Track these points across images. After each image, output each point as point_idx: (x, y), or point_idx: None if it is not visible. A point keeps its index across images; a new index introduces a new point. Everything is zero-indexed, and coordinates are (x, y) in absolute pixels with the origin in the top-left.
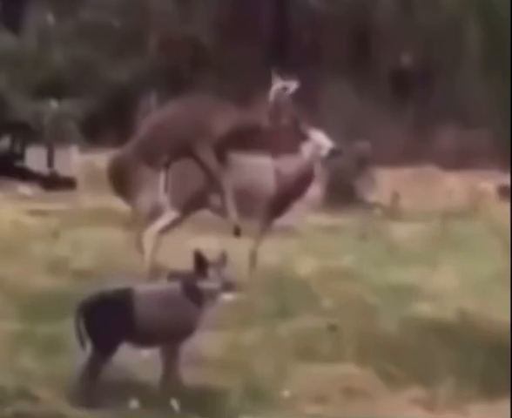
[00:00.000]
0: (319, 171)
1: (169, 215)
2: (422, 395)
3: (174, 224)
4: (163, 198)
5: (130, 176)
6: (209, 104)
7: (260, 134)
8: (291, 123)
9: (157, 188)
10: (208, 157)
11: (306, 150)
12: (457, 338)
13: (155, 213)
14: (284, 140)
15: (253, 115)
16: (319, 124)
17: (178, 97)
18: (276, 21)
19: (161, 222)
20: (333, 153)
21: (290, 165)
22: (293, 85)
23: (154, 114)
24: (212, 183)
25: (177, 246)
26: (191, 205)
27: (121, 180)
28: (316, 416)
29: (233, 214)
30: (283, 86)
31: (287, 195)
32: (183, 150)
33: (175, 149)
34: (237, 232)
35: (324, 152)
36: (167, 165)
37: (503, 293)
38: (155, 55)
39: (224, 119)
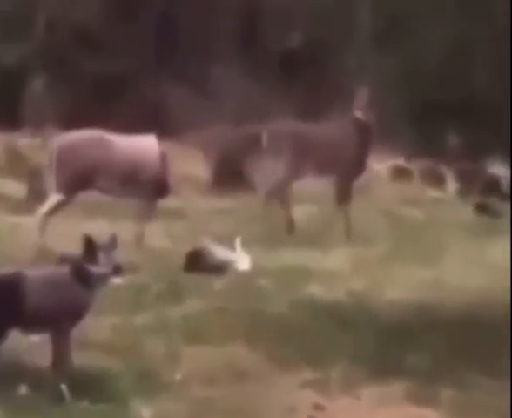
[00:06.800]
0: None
1: (54, 197)
2: (314, 378)
3: (59, 206)
4: (48, 180)
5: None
6: None
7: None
8: None
9: None
10: None
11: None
12: (348, 320)
13: (44, 196)
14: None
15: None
16: (209, 110)
17: (66, 80)
18: (163, 8)
19: (46, 205)
20: None
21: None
22: None
23: None
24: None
25: (67, 230)
26: (74, 185)
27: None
28: (207, 399)
29: None
30: None
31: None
32: None
33: None
34: None
35: None
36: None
37: (393, 274)
38: (42, 38)
39: None
